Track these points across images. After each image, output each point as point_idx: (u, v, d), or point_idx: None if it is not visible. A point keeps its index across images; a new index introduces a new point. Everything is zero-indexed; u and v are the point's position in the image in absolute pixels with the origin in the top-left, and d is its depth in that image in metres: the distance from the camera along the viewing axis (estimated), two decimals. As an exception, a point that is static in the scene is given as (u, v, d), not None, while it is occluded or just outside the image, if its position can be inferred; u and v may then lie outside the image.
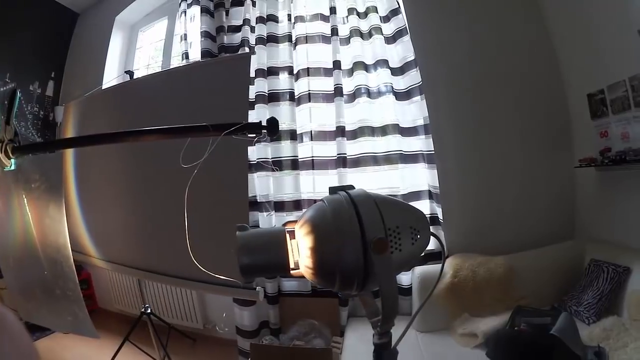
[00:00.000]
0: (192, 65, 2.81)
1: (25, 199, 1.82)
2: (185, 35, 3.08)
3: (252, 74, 2.68)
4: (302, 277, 0.81)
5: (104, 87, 3.27)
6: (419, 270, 2.54)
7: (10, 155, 1.11)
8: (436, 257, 2.59)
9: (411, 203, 2.57)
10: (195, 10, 3.09)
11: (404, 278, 2.67)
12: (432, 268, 2.52)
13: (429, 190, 2.71)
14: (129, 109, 2.57)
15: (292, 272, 0.77)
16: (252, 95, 2.66)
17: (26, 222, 1.81)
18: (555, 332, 1.82)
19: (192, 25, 3.11)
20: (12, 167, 1.14)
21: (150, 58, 3.86)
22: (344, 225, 0.68)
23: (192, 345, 3.38)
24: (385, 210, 0.76)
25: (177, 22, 3.25)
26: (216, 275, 1.54)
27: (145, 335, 3.19)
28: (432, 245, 2.58)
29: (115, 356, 3.13)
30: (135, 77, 2.85)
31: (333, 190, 0.80)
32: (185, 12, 3.13)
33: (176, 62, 3.40)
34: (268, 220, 2.70)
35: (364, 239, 0.66)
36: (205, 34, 2.94)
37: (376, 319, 0.75)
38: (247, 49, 2.79)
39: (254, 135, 1.26)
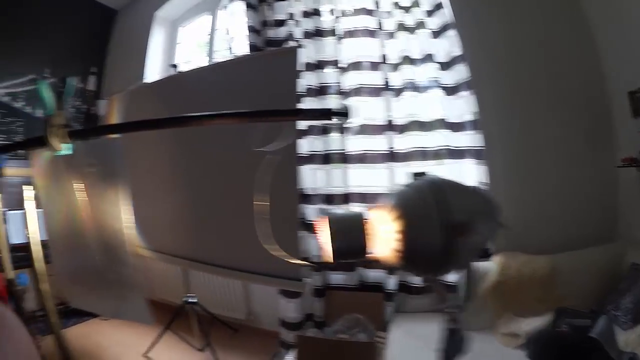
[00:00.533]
0: (240, 59, 2.83)
1: (77, 184, 1.82)
2: (228, 30, 3.11)
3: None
4: (379, 261, 0.87)
5: (148, 80, 3.32)
6: None
7: (65, 139, 1.12)
8: (481, 255, 2.58)
9: None
10: (237, 4, 3.12)
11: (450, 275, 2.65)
12: (479, 265, 2.47)
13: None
14: (175, 101, 2.60)
15: (370, 255, 0.86)
16: (301, 88, 2.67)
17: (76, 207, 1.82)
18: (594, 335, 1.80)
19: (234, 20, 3.14)
20: (68, 152, 1.15)
21: (191, 52, 3.91)
22: (430, 210, 0.75)
23: (232, 335, 3.42)
24: (465, 196, 0.84)
25: (219, 17, 3.27)
26: (297, 263, 1.58)
27: (187, 323, 3.25)
28: None
29: (155, 344, 3.18)
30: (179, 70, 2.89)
31: (414, 176, 0.90)
32: (226, 6, 3.16)
33: (219, 56, 3.44)
34: (316, 213, 2.72)
35: (447, 223, 0.73)
36: (251, 29, 2.96)
37: (447, 304, 0.87)
38: (292, 43, 2.81)
39: (329, 121, 1.27)
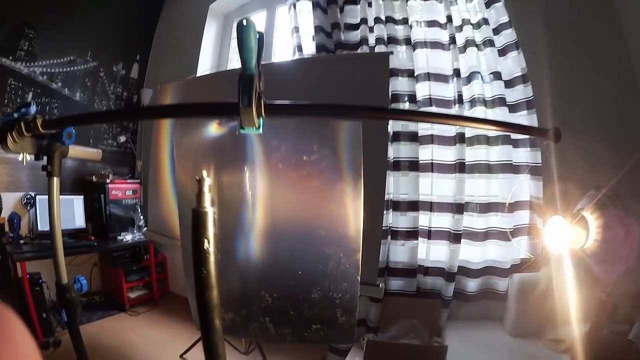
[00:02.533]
0: (324, 58, 2.81)
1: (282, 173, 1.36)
2: (297, 28, 3.09)
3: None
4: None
5: (204, 73, 3.27)
6: (517, 277, 2.59)
7: (261, 112, 0.78)
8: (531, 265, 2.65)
9: (515, 212, 2.64)
10: (304, 4, 3.11)
11: (501, 284, 2.70)
12: (528, 275, 2.57)
13: (531, 201, 2.75)
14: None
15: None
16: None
17: (276, 205, 1.38)
18: (632, 338, 1.85)
19: (302, 19, 3.12)
20: (259, 130, 0.83)
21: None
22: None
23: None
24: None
25: (286, 13, 3.25)
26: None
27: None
28: (526, 255, 2.66)
29: (195, 345, 3.09)
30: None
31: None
32: (294, 5, 3.13)
33: (281, 54, 3.44)
34: (384, 219, 2.72)
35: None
36: (319, 29, 2.96)
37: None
38: (366, 48, 2.82)
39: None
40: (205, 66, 3.61)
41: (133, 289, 3.97)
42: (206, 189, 0.79)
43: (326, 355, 3.00)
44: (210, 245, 0.79)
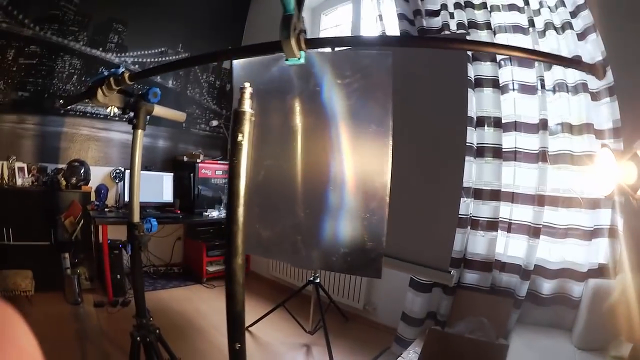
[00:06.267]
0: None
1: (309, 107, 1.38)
2: (381, 16, 3.15)
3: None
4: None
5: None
6: (592, 282, 2.35)
7: (302, 46, 0.92)
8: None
9: (593, 210, 2.39)
10: (386, -7, 3.15)
11: (576, 289, 2.46)
12: (603, 282, 2.33)
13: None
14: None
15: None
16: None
17: (312, 127, 1.41)
18: None
19: (384, 8, 3.18)
20: (301, 61, 0.96)
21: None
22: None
23: (344, 322, 3.41)
24: None
25: (370, 3, 3.33)
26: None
27: (297, 305, 3.24)
28: (604, 259, 2.39)
29: (261, 320, 3.19)
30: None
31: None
32: (376, -6, 3.19)
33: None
34: (465, 207, 2.65)
35: None
36: (402, 17, 2.97)
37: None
38: (448, 33, 2.78)
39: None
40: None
41: (212, 263, 4.19)
42: (247, 95, 0.95)
43: (390, 345, 2.97)
44: (244, 139, 0.93)
